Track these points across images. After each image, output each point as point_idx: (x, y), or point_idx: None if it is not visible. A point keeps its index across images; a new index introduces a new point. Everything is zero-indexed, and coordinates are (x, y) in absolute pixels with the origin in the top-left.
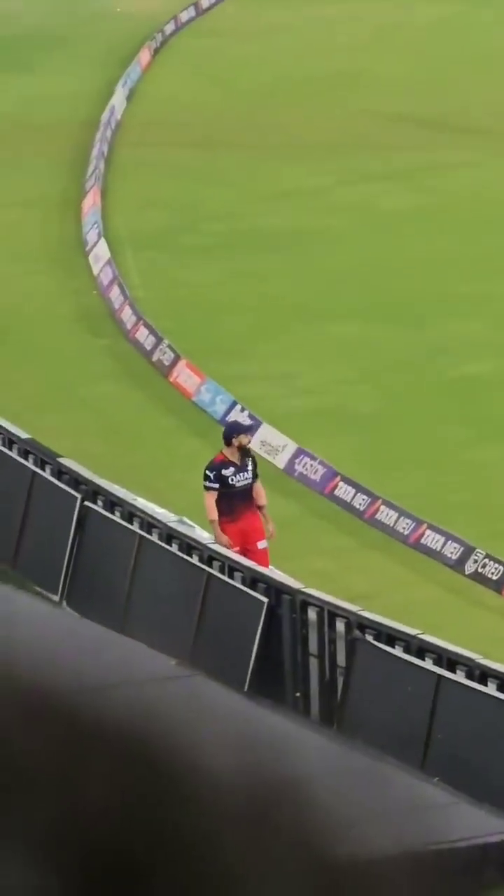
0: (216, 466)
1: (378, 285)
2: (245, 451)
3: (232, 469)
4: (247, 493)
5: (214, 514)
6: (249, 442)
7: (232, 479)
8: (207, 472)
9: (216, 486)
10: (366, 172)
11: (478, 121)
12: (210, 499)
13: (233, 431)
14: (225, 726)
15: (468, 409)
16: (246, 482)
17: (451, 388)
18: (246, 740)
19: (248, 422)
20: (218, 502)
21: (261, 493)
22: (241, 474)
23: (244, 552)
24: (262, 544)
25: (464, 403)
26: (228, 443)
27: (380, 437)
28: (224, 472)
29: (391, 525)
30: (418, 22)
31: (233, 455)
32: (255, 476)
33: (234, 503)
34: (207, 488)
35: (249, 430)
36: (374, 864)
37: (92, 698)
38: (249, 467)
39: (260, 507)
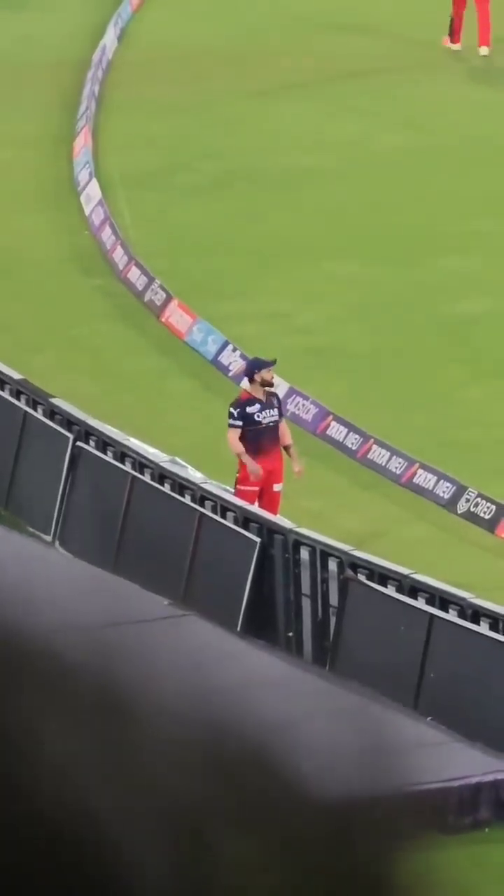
0: (241, 404)
1: (372, 223)
2: (270, 389)
3: (258, 406)
4: (273, 431)
5: (240, 447)
6: (273, 378)
7: (258, 416)
8: (231, 409)
9: (239, 423)
10: (359, 110)
11: (470, 58)
12: (234, 435)
13: (254, 367)
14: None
15: (463, 348)
16: (273, 419)
17: (446, 327)
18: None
19: (263, 359)
20: (244, 440)
21: (286, 433)
22: (268, 411)
23: (261, 492)
24: (277, 487)
25: (459, 341)
26: (251, 379)
27: (374, 376)
28: (249, 409)
29: (383, 464)
30: None
31: (256, 391)
32: (280, 414)
33: (262, 441)
34: (231, 426)
35: (271, 364)
36: (364, 805)
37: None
38: (275, 404)
39: (286, 447)
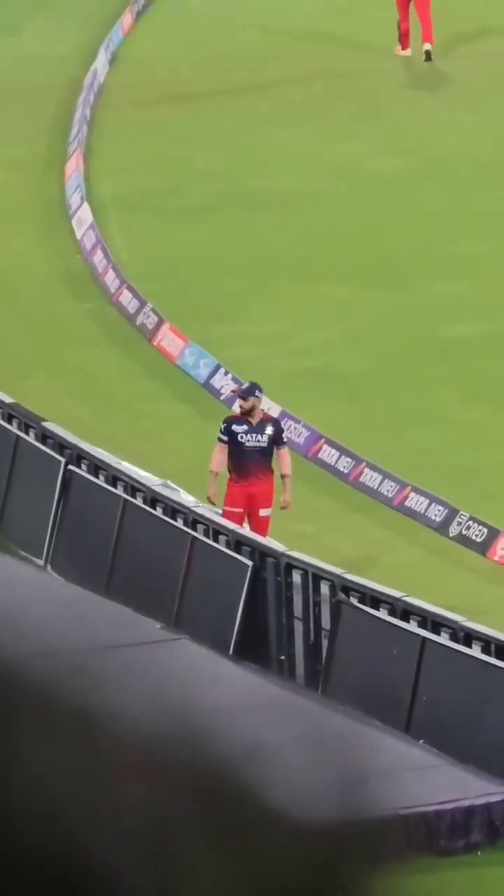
0: (230, 420)
1: (365, 246)
2: (266, 415)
3: (245, 427)
4: (258, 456)
5: (214, 466)
6: (252, 406)
7: (241, 437)
8: (222, 423)
9: (225, 438)
10: (351, 133)
11: (462, 82)
12: (217, 450)
13: (240, 392)
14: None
15: (456, 371)
16: (257, 444)
17: (439, 350)
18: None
19: (245, 385)
20: (229, 460)
21: (286, 462)
22: (255, 435)
23: (248, 516)
24: (264, 512)
25: (451, 365)
26: (241, 401)
27: (367, 399)
28: (235, 427)
29: (375, 487)
30: None
31: (247, 415)
32: (276, 442)
33: (244, 463)
34: (218, 439)
35: (243, 393)
36: (335, 829)
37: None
38: (268, 431)
39: (283, 476)
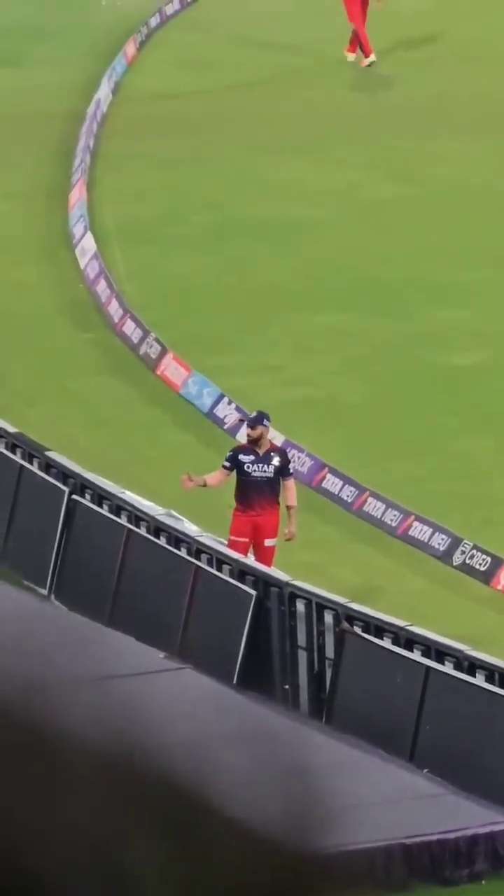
0: (236, 449)
1: (364, 275)
2: (272, 446)
3: (252, 457)
4: (264, 486)
5: (210, 479)
6: (260, 434)
7: (248, 467)
8: (229, 452)
9: (228, 465)
10: (350, 162)
11: (457, 109)
12: (218, 472)
13: (248, 420)
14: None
15: (456, 399)
16: (263, 474)
17: (439, 378)
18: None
19: (253, 414)
20: (236, 489)
21: (290, 494)
22: (261, 466)
23: (253, 546)
24: (269, 542)
25: (451, 393)
26: (249, 429)
27: (367, 428)
28: (241, 456)
29: (379, 517)
30: (404, 11)
31: (255, 444)
32: (281, 473)
33: (250, 493)
34: (222, 465)
35: (251, 421)
36: (357, 855)
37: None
38: (274, 462)
39: (288, 507)
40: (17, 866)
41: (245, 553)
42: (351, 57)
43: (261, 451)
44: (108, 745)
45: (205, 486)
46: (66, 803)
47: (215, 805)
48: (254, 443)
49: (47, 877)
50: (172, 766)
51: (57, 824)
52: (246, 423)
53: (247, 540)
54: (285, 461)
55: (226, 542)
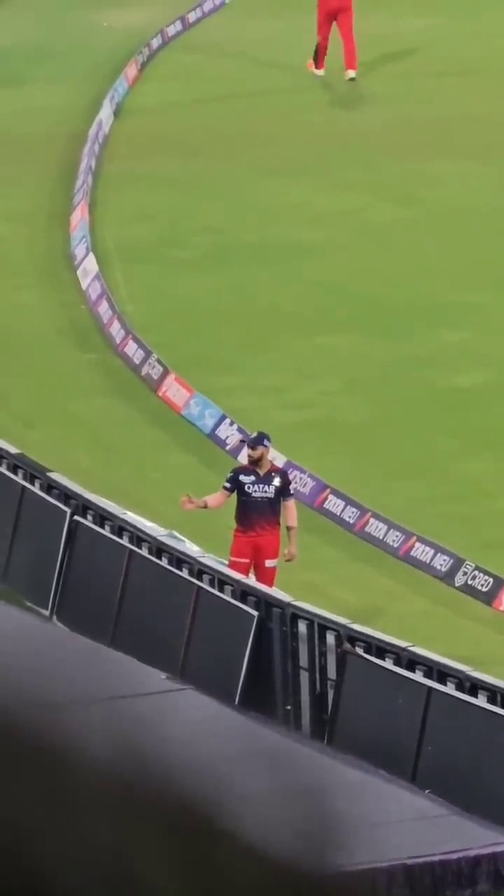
0: (237, 470)
1: (366, 296)
2: (273, 466)
3: (252, 478)
4: (265, 507)
5: (211, 500)
6: (260, 455)
7: (249, 488)
8: (230, 472)
9: (228, 486)
10: (351, 184)
11: (460, 132)
12: (217, 493)
13: (249, 441)
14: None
15: (458, 421)
16: (264, 495)
17: (441, 400)
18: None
19: (253, 435)
20: (237, 509)
21: (291, 515)
22: (262, 486)
23: (254, 567)
24: (270, 563)
25: (453, 415)
26: (250, 450)
27: (369, 449)
28: (242, 477)
29: (381, 538)
30: (405, 33)
31: (256, 465)
32: (282, 493)
33: (250, 514)
34: (222, 486)
35: (252, 442)
36: (359, 877)
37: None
38: (275, 483)
39: (288, 528)
40: (31, 881)
41: (246, 574)
42: (316, 72)
43: (261, 472)
44: (121, 764)
45: (205, 507)
46: (80, 821)
47: (230, 825)
48: (254, 463)
49: (60, 892)
50: (187, 785)
51: (71, 841)
52: (246, 443)
53: (247, 561)
54: (286, 482)
55: (226, 563)
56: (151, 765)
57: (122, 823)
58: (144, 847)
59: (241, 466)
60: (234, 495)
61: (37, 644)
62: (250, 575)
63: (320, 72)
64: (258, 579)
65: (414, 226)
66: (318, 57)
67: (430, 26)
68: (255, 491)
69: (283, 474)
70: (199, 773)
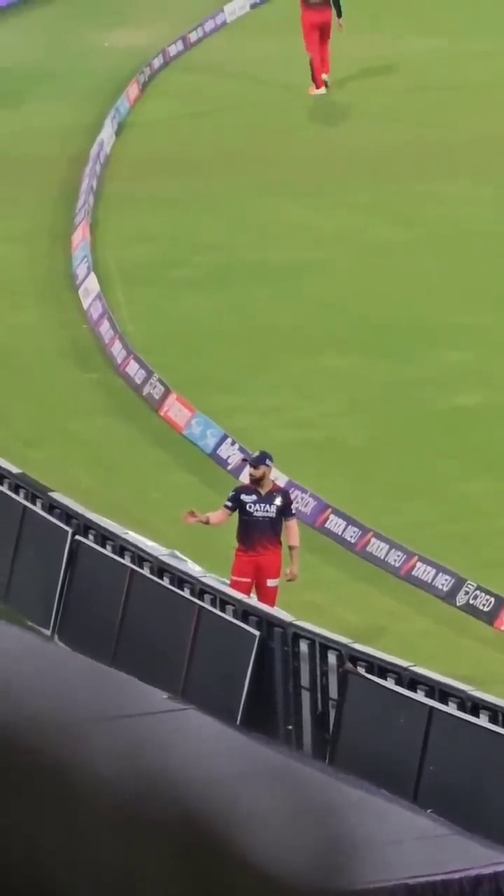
0: (239, 489)
1: (366, 317)
2: (275, 486)
3: (254, 497)
4: (266, 526)
5: (213, 517)
6: (262, 474)
7: (250, 507)
8: (232, 491)
9: (230, 504)
10: (352, 204)
11: (462, 152)
12: (219, 511)
13: (251, 460)
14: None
15: (459, 441)
16: (265, 514)
17: (442, 420)
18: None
19: (255, 454)
20: (238, 528)
21: (293, 534)
22: (263, 506)
23: (255, 586)
24: (272, 582)
25: (454, 435)
26: (252, 469)
27: (370, 469)
28: (244, 496)
29: (382, 557)
30: (406, 53)
31: (258, 484)
32: (284, 513)
33: (252, 533)
34: (224, 504)
35: (254, 461)
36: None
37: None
38: (276, 502)
39: (290, 548)
40: (42, 883)
41: (248, 593)
42: (317, 92)
43: (263, 491)
44: (129, 784)
45: (207, 523)
46: (85, 838)
47: (236, 844)
48: (256, 482)
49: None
50: (193, 804)
51: (81, 859)
52: (249, 462)
53: (249, 580)
54: (287, 501)
55: (227, 583)
56: (156, 784)
57: (128, 841)
58: (150, 865)
59: (244, 485)
60: (236, 514)
61: (38, 664)
62: (252, 594)
63: (322, 90)
64: (260, 599)
65: (415, 246)
66: (315, 75)
67: (432, 47)
68: (257, 510)
69: (285, 494)
70: (204, 792)
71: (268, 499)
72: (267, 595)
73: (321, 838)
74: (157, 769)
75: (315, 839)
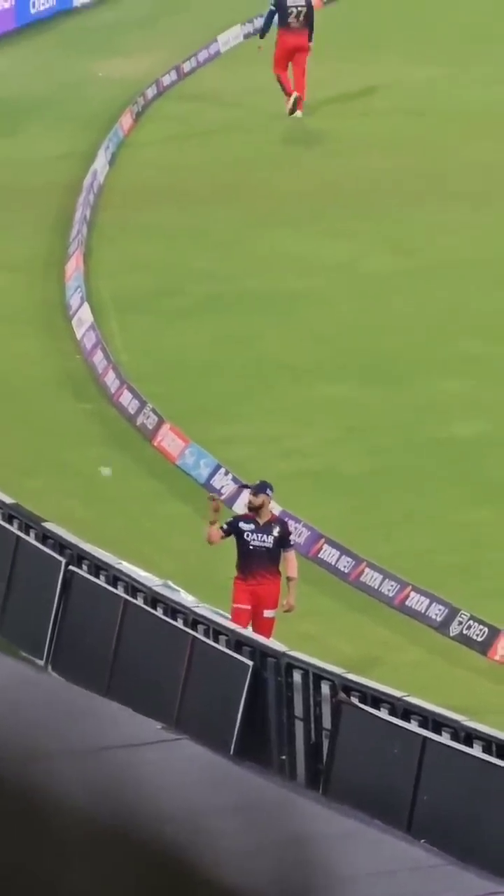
0: (238, 517)
1: (363, 345)
2: (273, 516)
3: (252, 526)
4: (263, 556)
5: (213, 532)
6: (262, 503)
7: (248, 536)
8: (231, 518)
9: (225, 528)
10: (348, 233)
11: (459, 181)
12: (218, 529)
13: (252, 488)
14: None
15: (454, 470)
16: (262, 544)
17: (438, 449)
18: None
19: (257, 482)
20: (237, 557)
21: (291, 565)
22: (261, 535)
23: (252, 616)
24: (268, 613)
25: (450, 464)
26: (252, 497)
27: (366, 499)
28: (242, 525)
29: (376, 587)
30: (405, 82)
31: (256, 513)
32: (281, 544)
33: (250, 563)
34: (220, 526)
35: (255, 489)
36: None
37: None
38: (274, 533)
39: (288, 579)
40: None
41: (246, 620)
42: (298, 114)
43: (261, 521)
44: (103, 816)
45: (213, 523)
46: (63, 871)
47: (209, 875)
48: (255, 511)
49: None
50: (166, 836)
51: (55, 891)
52: (250, 489)
53: (249, 607)
54: (286, 532)
55: (220, 613)
56: (131, 816)
57: (99, 872)
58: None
59: (243, 515)
60: (235, 543)
61: (31, 695)
62: (247, 622)
63: (298, 113)
64: (255, 629)
65: (411, 275)
66: (286, 91)
67: (431, 76)
68: (254, 540)
69: (283, 525)
70: (179, 825)
71: (266, 529)
72: (263, 626)
73: (290, 869)
74: (134, 802)
75: (283, 870)
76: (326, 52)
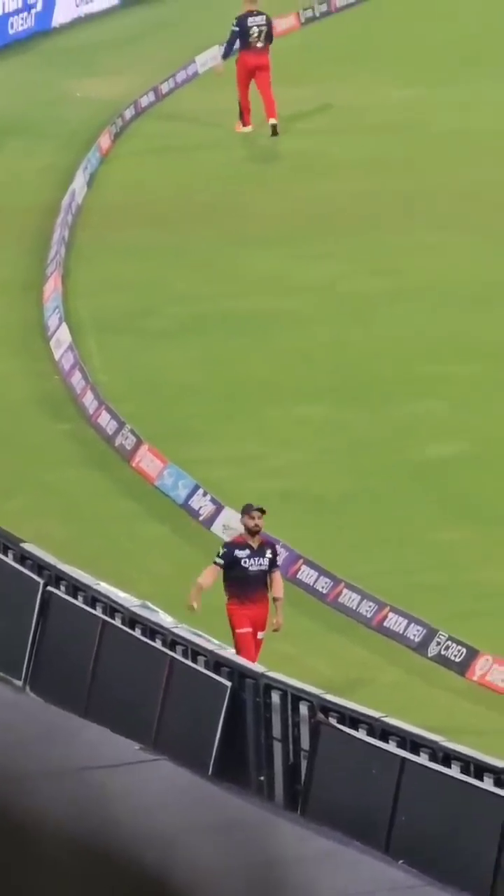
0: (231, 545)
1: (341, 366)
2: (264, 538)
3: (247, 552)
4: (260, 579)
5: (205, 581)
6: (257, 526)
7: (245, 562)
8: (221, 548)
9: (221, 562)
10: (326, 254)
11: (437, 202)
12: (209, 570)
13: (242, 512)
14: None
15: (432, 491)
16: (260, 568)
17: (415, 469)
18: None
19: (253, 505)
20: (231, 584)
21: (278, 586)
22: (256, 560)
23: (253, 636)
24: (261, 635)
25: (427, 484)
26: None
27: (343, 519)
28: (238, 552)
29: (354, 608)
30: (384, 104)
31: (248, 537)
32: (272, 565)
33: (248, 588)
34: (214, 562)
35: (252, 511)
36: None
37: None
38: (267, 555)
39: (275, 599)
40: None
41: (252, 645)
42: (244, 130)
43: (255, 545)
44: (82, 836)
45: (202, 590)
46: (42, 890)
47: (187, 895)
48: (251, 534)
49: None
50: (145, 856)
51: None
52: (246, 512)
53: (252, 630)
54: (275, 553)
55: (199, 634)
56: (109, 836)
57: (78, 891)
58: None
59: (234, 541)
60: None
61: (8, 715)
62: (230, 648)
63: (248, 128)
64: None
65: (391, 296)
66: (244, 116)
67: (409, 97)
68: (252, 565)
69: (273, 546)
70: (156, 845)
71: (260, 552)
72: (255, 647)
73: (265, 891)
74: (113, 822)
75: (259, 891)
76: (305, 72)
